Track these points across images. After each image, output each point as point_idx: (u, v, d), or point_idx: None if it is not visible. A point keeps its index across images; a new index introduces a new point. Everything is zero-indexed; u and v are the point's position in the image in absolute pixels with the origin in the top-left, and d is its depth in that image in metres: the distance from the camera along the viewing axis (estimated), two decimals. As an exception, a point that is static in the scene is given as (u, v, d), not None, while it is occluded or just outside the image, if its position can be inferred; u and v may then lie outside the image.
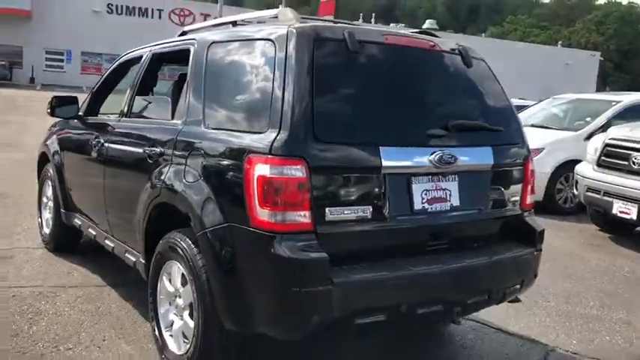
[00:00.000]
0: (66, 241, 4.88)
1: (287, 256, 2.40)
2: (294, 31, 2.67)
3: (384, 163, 2.64)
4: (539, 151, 8.20)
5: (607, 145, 6.67)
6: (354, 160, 2.60)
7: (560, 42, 61.01)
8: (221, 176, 2.72)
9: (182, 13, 40.41)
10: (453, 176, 2.92)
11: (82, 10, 37.38)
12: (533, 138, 8.40)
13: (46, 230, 5.08)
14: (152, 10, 39.67)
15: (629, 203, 6.16)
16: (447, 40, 3.27)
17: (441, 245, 2.91)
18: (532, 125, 9.10)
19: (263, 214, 2.44)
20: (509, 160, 3.22)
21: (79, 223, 4.46)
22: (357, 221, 2.60)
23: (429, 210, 2.83)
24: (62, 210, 4.69)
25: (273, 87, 2.59)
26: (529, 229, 3.24)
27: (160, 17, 39.56)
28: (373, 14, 56.75)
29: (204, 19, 39.35)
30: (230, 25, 3.49)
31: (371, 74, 2.82)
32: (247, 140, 2.60)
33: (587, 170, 6.94)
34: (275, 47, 2.69)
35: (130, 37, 26.23)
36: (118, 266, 4.10)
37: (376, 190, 2.66)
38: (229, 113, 2.91)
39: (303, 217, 2.45)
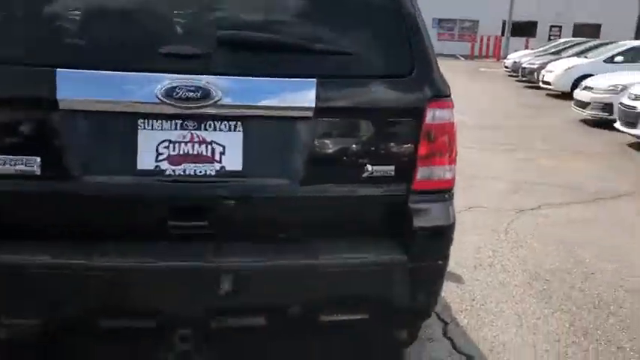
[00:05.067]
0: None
1: None
2: None
3: (62, 94, 1.83)
4: None
5: None
6: (4, 88, 1.86)
7: None
8: None
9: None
10: (233, 124, 1.93)
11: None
12: None
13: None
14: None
15: None
16: None
17: (199, 229, 1.95)
18: None
19: None
20: (370, 102, 2.01)
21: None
22: (15, 177, 1.86)
23: (170, 173, 1.91)
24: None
25: None
26: (407, 224, 2.02)
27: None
28: None
29: None
30: None
31: None
32: None
33: None
34: None
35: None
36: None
37: (51, 133, 1.87)
38: None
39: None
